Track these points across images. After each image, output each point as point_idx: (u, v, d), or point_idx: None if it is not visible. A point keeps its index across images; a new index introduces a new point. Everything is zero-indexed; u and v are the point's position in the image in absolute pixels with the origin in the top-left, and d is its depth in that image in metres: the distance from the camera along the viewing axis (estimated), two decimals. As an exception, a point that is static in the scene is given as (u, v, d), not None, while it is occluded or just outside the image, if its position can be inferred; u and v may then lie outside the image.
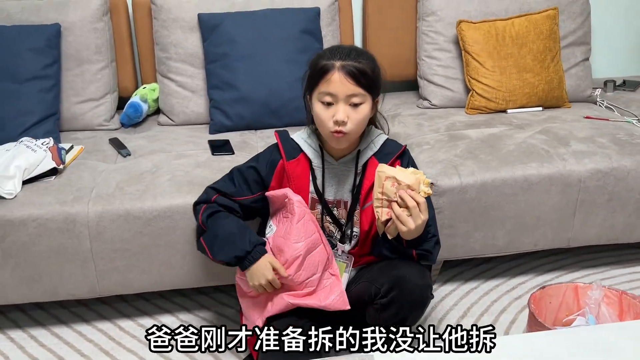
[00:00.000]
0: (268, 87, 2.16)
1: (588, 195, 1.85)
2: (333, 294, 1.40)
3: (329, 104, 1.36)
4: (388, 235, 1.38)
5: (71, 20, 2.17)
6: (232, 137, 2.09)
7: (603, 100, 2.43)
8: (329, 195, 1.51)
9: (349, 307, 1.40)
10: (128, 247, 1.68)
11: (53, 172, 1.78)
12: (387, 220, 1.35)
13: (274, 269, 1.39)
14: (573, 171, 1.83)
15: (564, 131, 2.03)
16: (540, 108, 2.31)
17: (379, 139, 1.51)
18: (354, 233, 1.51)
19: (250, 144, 2.05)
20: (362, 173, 1.49)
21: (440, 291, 1.95)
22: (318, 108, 1.39)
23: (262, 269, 1.40)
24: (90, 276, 1.70)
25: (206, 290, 1.98)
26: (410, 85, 2.61)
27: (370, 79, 1.37)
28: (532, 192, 1.82)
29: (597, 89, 2.51)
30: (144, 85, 2.32)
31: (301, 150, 1.50)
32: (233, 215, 1.50)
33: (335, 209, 1.52)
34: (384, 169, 1.32)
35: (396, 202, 1.31)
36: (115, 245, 1.67)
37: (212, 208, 1.49)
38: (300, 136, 1.53)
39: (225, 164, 1.85)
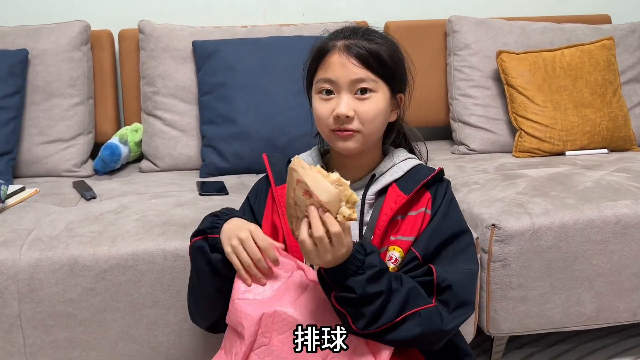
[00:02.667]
0: (272, 121, 1.77)
1: None
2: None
3: (328, 93, 1.00)
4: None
5: (43, 47, 1.85)
6: (228, 180, 1.67)
7: (675, 148, 2.01)
8: None
9: None
10: (72, 312, 1.20)
11: (-15, 211, 1.34)
12: None
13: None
14: (680, 211, 1.37)
15: (649, 169, 1.60)
16: (606, 150, 1.90)
17: (407, 164, 1.07)
18: None
19: (250, 186, 1.60)
20: (379, 205, 1.03)
21: (504, 382, 1.43)
22: (316, 103, 1.03)
23: (235, 227, 1.00)
24: (17, 354, 1.21)
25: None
26: (441, 133, 2.23)
27: (384, 63, 0.99)
28: (628, 239, 1.35)
29: (666, 135, 2.11)
30: (126, 127, 1.93)
31: None
32: None
33: None
34: (296, 167, 0.88)
35: (306, 217, 0.87)
36: (54, 307, 1.20)
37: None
38: (300, 156, 1.12)
39: (215, 203, 1.41)
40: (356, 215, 0.87)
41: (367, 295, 0.87)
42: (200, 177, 1.75)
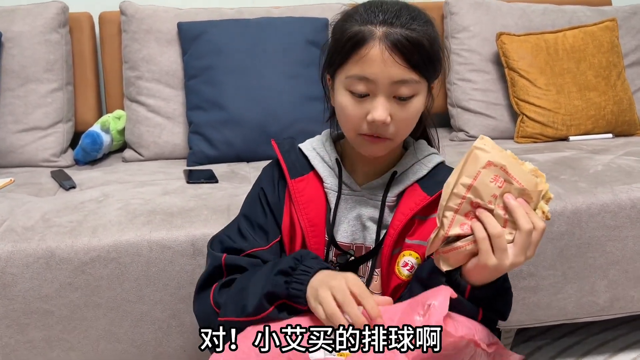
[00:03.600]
0: (264, 106, 1.68)
1: None
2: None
3: (362, 95, 0.85)
4: (441, 266, 0.79)
5: (18, 29, 1.74)
6: (217, 168, 1.57)
7: (679, 132, 1.95)
8: (343, 237, 0.95)
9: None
10: (49, 309, 1.11)
11: (-47, 201, 1.24)
12: (455, 239, 0.77)
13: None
14: (698, 194, 1.30)
15: (659, 152, 1.53)
16: (611, 135, 1.83)
17: (431, 160, 0.95)
18: None
19: (241, 174, 1.52)
20: (395, 206, 0.94)
21: (514, 377, 1.35)
22: (344, 100, 0.87)
23: (325, 276, 0.81)
24: (-11, 356, 1.11)
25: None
26: (438, 119, 2.15)
27: (428, 56, 0.84)
28: (643, 224, 1.28)
29: (668, 120, 2.05)
30: (108, 114, 1.83)
31: (312, 166, 0.97)
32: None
33: (353, 258, 0.95)
34: (487, 147, 0.73)
35: (491, 211, 0.74)
36: (29, 304, 1.10)
37: (229, 279, 0.91)
38: (311, 144, 1.00)
39: (204, 191, 1.32)
40: (550, 214, 0.76)
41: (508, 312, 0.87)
42: (188, 165, 1.65)
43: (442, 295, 0.76)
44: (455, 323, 0.76)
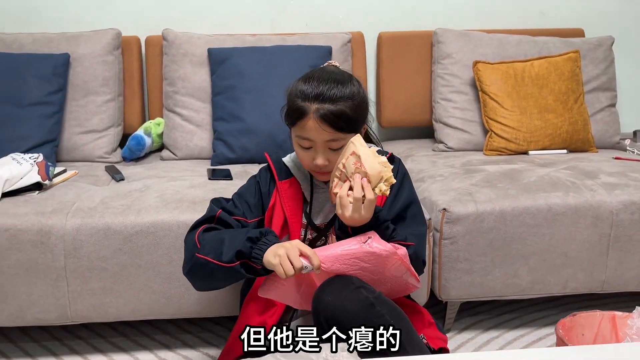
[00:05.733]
0: (274, 119, 2.03)
1: (622, 231, 1.64)
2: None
3: (308, 148, 1.24)
4: (336, 210, 1.19)
5: (82, 52, 2.15)
6: (234, 168, 1.98)
7: (634, 150, 2.26)
8: (318, 220, 1.36)
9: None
10: (105, 266, 1.52)
11: (37, 187, 1.68)
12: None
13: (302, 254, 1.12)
14: (603, 202, 1.64)
15: (592, 168, 1.86)
16: (565, 151, 2.16)
17: None
18: None
19: (251, 174, 1.91)
20: None
21: (455, 340, 1.71)
22: (297, 149, 1.27)
23: (280, 245, 1.14)
24: (62, 298, 1.54)
25: (186, 326, 1.77)
26: (425, 132, 2.50)
27: (350, 120, 1.21)
28: (558, 224, 1.63)
29: (627, 139, 2.36)
30: (150, 121, 2.25)
31: (292, 174, 1.38)
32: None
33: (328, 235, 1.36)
34: (355, 142, 1.14)
35: (349, 181, 1.15)
36: (91, 262, 1.52)
37: (212, 226, 1.27)
38: (290, 159, 1.40)
39: (221, 186, 1.73)
40: (388, 192, 1.16)
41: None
42: (212, 165, 2.05)
43: (372, 233, 1.16)
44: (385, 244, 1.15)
